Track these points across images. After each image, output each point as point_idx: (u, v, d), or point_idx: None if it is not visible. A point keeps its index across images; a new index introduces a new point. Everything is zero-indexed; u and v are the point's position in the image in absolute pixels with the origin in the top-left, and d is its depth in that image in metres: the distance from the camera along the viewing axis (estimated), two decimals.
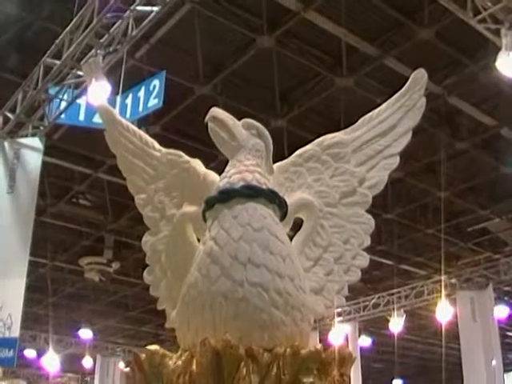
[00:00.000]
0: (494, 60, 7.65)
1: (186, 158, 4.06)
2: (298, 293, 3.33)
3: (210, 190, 3.64)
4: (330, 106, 11.63)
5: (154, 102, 9.39)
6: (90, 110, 10.05)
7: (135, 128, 4.47)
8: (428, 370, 28.47)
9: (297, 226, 3.91)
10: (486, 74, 10.54)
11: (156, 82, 9.58)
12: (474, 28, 9.18)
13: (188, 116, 11.48)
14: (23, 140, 9.91)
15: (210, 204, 3.53)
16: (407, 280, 19.10)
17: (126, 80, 8.99)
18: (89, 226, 16.82)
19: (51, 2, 9.38)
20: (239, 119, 3.80)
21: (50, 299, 20.68)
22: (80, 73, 8.68)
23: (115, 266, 18.03)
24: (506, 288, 18.44)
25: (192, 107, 11.16)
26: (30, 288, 18.92)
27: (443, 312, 16.63)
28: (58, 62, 8.47)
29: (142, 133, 4.42)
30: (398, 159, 4.09)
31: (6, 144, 9.87)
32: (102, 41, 8.07)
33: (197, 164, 4.01)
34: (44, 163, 11.09)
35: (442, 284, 16.58)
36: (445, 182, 13.50)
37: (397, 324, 18.54)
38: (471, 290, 17.30)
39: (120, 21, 7.71)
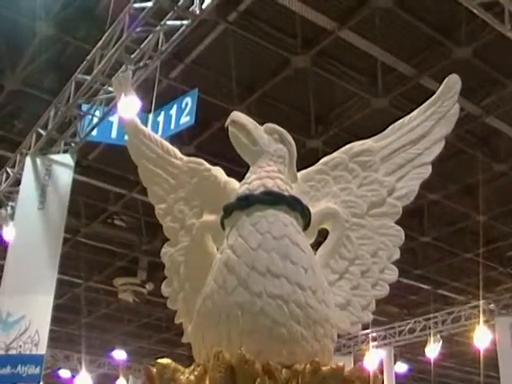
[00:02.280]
0: None
1: (207, 165, 3.91)
2: (320, 306, 3.12)
3: (230, 198, 3.47)
4: (365, 126, 11.42)
5: (186, 120, 9.31)
6: (122, 128, 10.01)
7: (157, 136, 4.35)
8: None
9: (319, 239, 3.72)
10: None
11: (188, 100, 9.52)
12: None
13: (222, 136, 11.37)
14: (54, 156, 9.91)
15: (228, 211, 3.36)
16: (444, 305, 18.68)
17: (160, 100, 8.96)
18: (123, 247, 16.82)
19: (87, 22, 9.42)
20: None
21: (85, 319, 20.71)
22: (111, 89, 8.65)
23: (149, 287, 17.97)
24: None
25: (226, 128, 11.01)
26: (64, 308, 19.16)
27: (481, 338, 16.05)
28: (88, 78, 8.44)
29: (163, 141, 4.28)
30: (429, 169, 3.86)
31: (38, 160, 9.87)
32: (132, 56, 8.03)
33: (218, 172, 3.85)
34: (79, 183, 11.12)
35: (481, 309, 16.08)
36: (483, 205, 13.14)
37: (433, 350, 17.97)
38: (511, 315, 16.76)
39: (150, 35, 7.66)
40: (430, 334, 17.90)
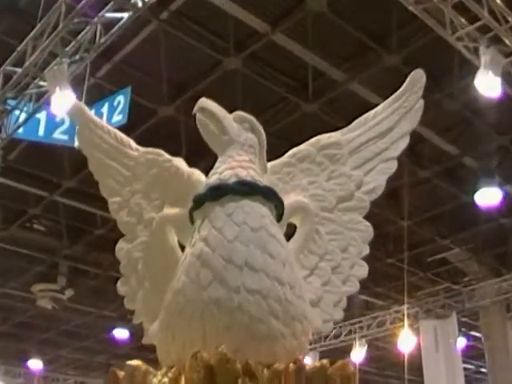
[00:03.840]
0: (458, 87, 7.49)
1: (167, 156, 3.68)
2: (298, 302, 2.96)
3: (196, 190, 3.26)
4: (295, 131, 11.38)
5: (118, 119, 9.02)
6: (50, 125, 9.63)
7: (109, 126, 4.08)
8: None
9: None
10: (450, 101, 10.49)
11: (121, 98, 9.24)
12: (440, 55, 9.12)
13: (149, 137, 11.09)
14: None
15: (198, 202, 3.14)
16: (366, 310, 18.88)
17: (87, 99, 8.57)
18: (42, 252, 16.20)
19: (9, 16, 8.95)
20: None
21: None
22: (42, 83, 8.25)
23: (68, 293, 17.44)
24: (464, 319, 18.30)
25: (154, 128, 10.81)
26: None
27: (406, 341, 16.31)
28: (19, 70, 8.01)
29: (117, 131, 4.03)
30: (396, 163, 3.81)
31: None
32: (67, 49, 7.68)
33: (180, 163, 3.63)
34: None
35: (405, 312, 16.33)
36: (406, 210, 13.34)
37: (358, 354, 18.14)
38: (434, 319, 17.12)
39: (88, 27, 7.33)
40: (355, 339, 18.07)
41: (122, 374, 2.80)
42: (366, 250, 3.56)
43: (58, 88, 7.14)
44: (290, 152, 3.68)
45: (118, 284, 3.69)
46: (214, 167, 3.25)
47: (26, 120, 8.90)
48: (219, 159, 3.29)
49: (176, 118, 10.53)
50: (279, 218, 3.27)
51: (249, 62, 9.88)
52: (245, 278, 2.83)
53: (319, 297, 3.36)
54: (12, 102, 8.94)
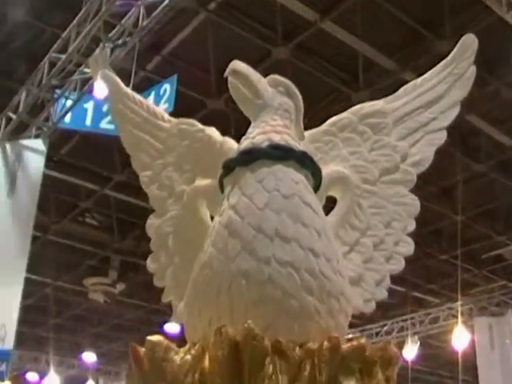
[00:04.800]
0: None
1: (200, 126, 3.48)
2: (335, 277, 2.69)
3: (230, 155, 3.05)
4: None
5: (165, 107, 8.94)
6: (97, 115, 9.62)
7: (142, 98, 3.91)
8: None
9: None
10: (507, 90, 10.07)
11: (167, 87, 9.16)
12: (497, 42, 8.73)
13: None
14: (25, 142, 9.41)
15: (229, 168, 2.92)
16: (419, 308, 18.46)
17: (136, 92, 8.52)
18: (94, 246, 16.38)
19: (62, 10, 8.95)
20: None
21: (53, 320, 20.15)
22: (86, 70, 8.20)
23: (120, 287, 17.54)
24: None
25: (203, 121, 10.67)
26: (32, 308, 18.57)
27: (460, 338, 15.76)
28: (63, 57, 7.96)
29: (149, 103, 3.87)
30: (445, 134, 3.52)
31: (8, 146, 9.37)
32: (110, 35, 7.59)
33: (213, 132, 3.42)
34: (49, 178, 10.65)
35: (459, 309, 15.84)
36: (460, 205, 12.91)
37: (411, 351, 17.66)
38: (489, 316, 16.59)
39: (131, 11, 7.22)
40: (407, 335, 17.65)
41: (142, 350, 2.60)
42: (412, 226, 3.29)
43: (100, 73, 7.03)
44: (330, 120, 3.44)
45: (148, 261, 3.51)
46: (247, 133, 3.03)
47: (71, 107, 8.85)
48: (252, 125, 3.06)
49: (225, 112, 10.40)
50: (316, 187, 3.03)
51: (297, 51, 9.76)
52: (276, 249, 2.59)
53: (360, 275, 3.10)
54: (58, 91, 8.92)
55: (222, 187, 2.98)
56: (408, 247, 3.26)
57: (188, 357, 2.47)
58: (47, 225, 14.55)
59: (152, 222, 3.54)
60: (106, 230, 15.67)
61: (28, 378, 22.72)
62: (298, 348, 2.46)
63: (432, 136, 3.47)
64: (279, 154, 2.83)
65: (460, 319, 15.88)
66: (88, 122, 9.69)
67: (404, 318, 18.01)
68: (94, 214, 15.75)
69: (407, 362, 17.62)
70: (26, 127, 9.39)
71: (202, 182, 3.28)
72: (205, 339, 2.53)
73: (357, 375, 2.50)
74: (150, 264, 3.49)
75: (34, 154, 9.27)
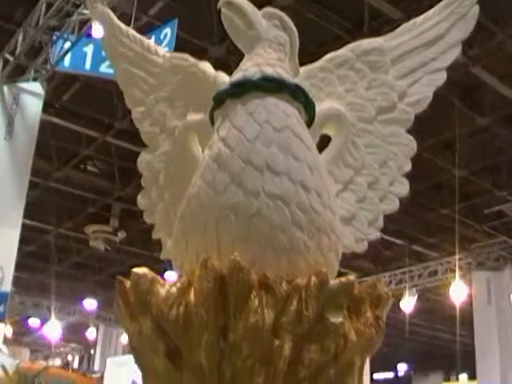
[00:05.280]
0: None
1: (193, 60, 3.38)
2: (326, 212, 2.63)
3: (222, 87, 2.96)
4: None
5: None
6: (97, 59, 9.46)
7: (135, 33, 3.80)
8: (435, 355, 27.95)
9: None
10: None
11: (167, 31, 8.99)
12: None
13: None
14: (23, 84, 9.29)
15: (219, 100, 2.83)
16: (418, 262, 18.47)
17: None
18: (95, 193, 16.30)
19: None
20: None
21: (55, 267, 20.25)
22: (85, 11, 8.02)
23: (121, 235, 17.54)
24: None
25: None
26: (34, 255, 18.64)
27: (458, 292, 15.80)
28: None
29: (143, 38, 3.75)
30: (444, 75, 3.40)
31: (5, 88, 9.25)
32: None
33: (206, 66, 3.33)
34: (51, 125, 10.54)
35: (457, 263, 15.84)
36: (462, 159, 12.76)
37: (408, 303, 17.73)
38: (488, 270, 16.61)
39: None
40: (405, 288, 17.72)
41: (128, 283, 2.56)
42: (408, 166, 3.21)
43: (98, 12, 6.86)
44: (327, 56, 3.33)
45: (139, 198, 3.47)
46: (240, 64, 2.94)
47: (69, 49, 8.70)
48: (245, 57, 2.97)
49: (225, 58, 10.24)
50: (310, 122, 2.95)
51: None
52: (265, 182, 2.52)
53: (353, 214, 3.04)
54: (57, 34, 8.77)
55: (212, 121, 2.91)
56: (403, 187, 3.19)
57: (173, 289, 2.43)
58: (48, 172, 14.48)
59: (143, 158, 3.49)
60: (107, 178, 15.57)
61: (29, 323, 23.05)
62: (285, 283, 2.41)
63: (431, 76, 3.37)
64: (271, 86, 2.74)
65: (458, 273, 15.89)
66: (87, 65, 9.55)
67: (402, 270, 18.04)
68: (96, 162, 15.64)
69: (405, 314, 17.82)
70: (23, 70, 9.26)
71: (193, 117, 3.21)
72: (192, 273, 2.49)
73: (344, 312, 2.46)
74: (141, 200, 3.45)
75: (32, 97, 9.16)
